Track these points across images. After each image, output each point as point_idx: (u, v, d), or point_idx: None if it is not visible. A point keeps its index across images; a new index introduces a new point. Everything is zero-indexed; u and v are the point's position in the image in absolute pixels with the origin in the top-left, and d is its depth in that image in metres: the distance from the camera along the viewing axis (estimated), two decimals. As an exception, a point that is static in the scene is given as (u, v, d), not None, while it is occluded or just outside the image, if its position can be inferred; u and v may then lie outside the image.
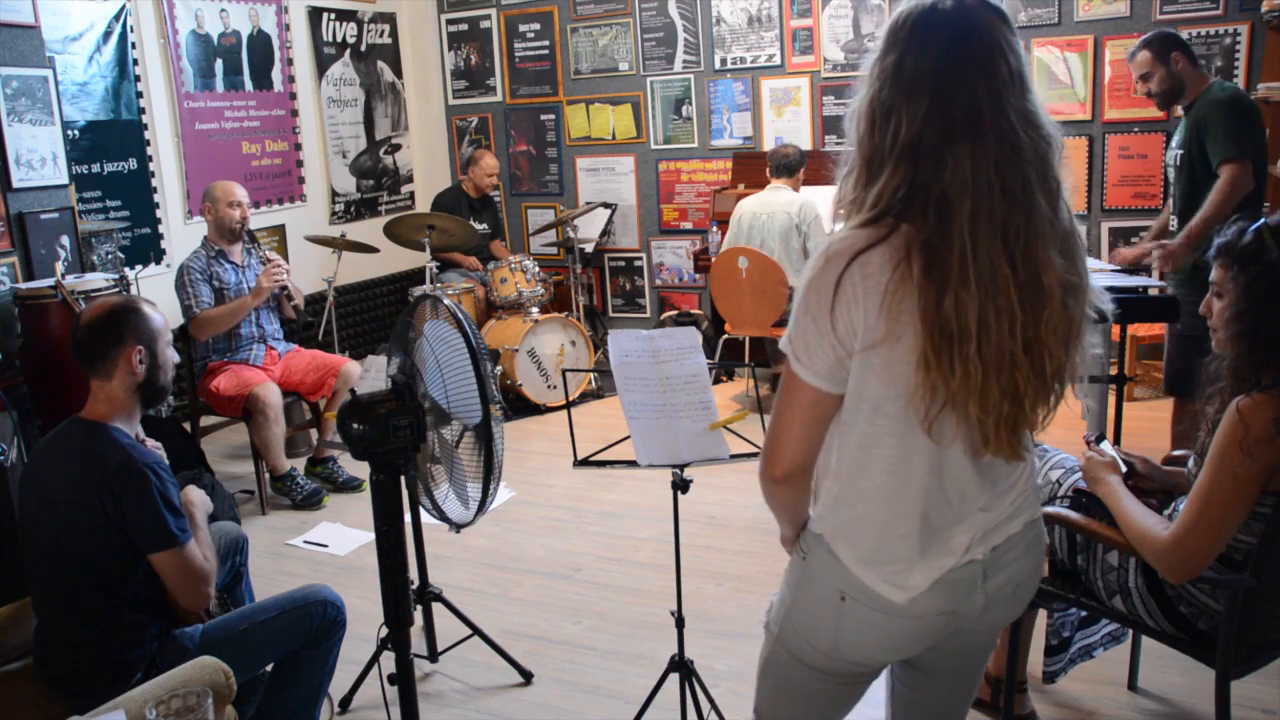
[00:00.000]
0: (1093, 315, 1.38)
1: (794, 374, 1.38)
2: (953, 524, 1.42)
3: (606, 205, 6.58)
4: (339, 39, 6.39)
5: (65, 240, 4.06)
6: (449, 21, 6.93)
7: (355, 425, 1.72)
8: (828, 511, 1.46)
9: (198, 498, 2.39)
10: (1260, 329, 1.88)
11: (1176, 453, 2.41)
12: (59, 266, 3.96)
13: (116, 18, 4.91)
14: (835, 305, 1.31)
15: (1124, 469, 2.16)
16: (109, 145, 4.90)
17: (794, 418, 1.39)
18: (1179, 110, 3.77)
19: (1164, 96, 3.67)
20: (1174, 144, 3.75)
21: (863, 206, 1.34)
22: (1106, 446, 2.23)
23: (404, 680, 1.86)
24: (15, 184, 3.87)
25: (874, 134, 1.33)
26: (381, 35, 6.73)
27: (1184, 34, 5.08)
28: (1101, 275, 3.47)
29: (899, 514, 1.41)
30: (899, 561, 1.42)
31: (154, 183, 5.16)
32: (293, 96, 6.02)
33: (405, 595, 1.82)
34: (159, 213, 5.20)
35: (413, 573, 2.26)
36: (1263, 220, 1.92)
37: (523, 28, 6.70)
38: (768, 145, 6.06)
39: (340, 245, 5.13)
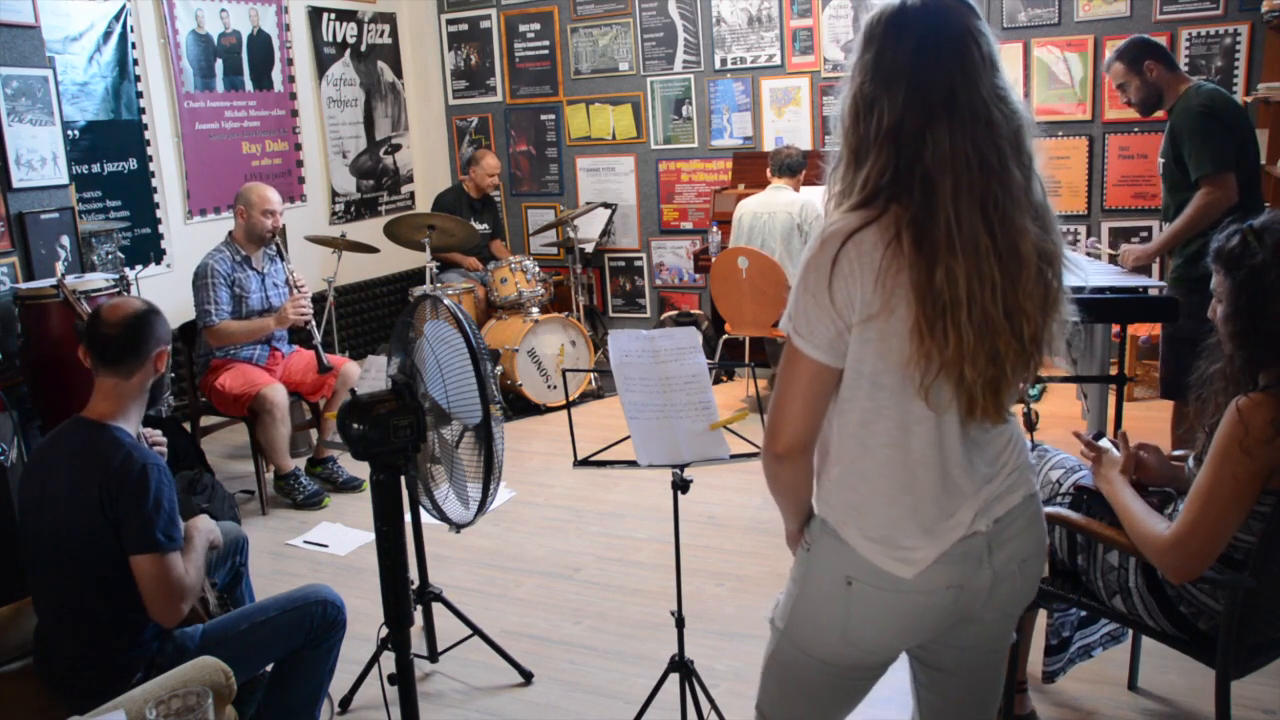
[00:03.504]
0: (1068, 286, 1.44)
1: (795, 349, 1.43)
2: (955, 496, 1.45)
3: (606, 205, 6.58)
4: (339, 39, 6.39)
5: (65, 240, 4.06)
6: (449, 21, 6.93)
7: (355, 425, 1.72)
8: (832, 496, 1.49)
9: (204, 525, 2.38)
10: (1252, 330, 1.90)
11: (1177, 452, 2.41)
12: (59, 267, 3.96)
13: (116, 18, 4.91)
14: (833, 281, 1.37)
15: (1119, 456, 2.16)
16: (109, 145, 4.90)
17: (795, 392, 1.44)
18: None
19: (1143, 105, 3.65)
20: (1160, 150, 3.71)
21: (851, 192, 1.41)
22: (1107, 444, 2.23)
23: (404, 680, 1.87)
24: (15, 184, 3.88)
25: (859, 125, 1.39)
26: (381, 35, 6.73)
27: (1184, 34, 5.11)
28: (1102, 275, 3.47)
29: (903, 487, 1.43)
30: (906, 538, 1.44)
31: (154, 183, 5.16)
32: (293, 96, 6.02)
33: (405, 595, 1.82)
34: (159, 213, 5.20)
35: (413, 573, 2.26)
36: (1248, 223, 1.93)
37: (523, 28, 6.70)
38: (768, 145, 6.06)
39: (340, 245, 5.13)
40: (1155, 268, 5.30)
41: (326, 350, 4.78)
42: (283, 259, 4.43)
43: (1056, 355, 1.46)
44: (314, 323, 4.39)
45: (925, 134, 1.33)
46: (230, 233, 4.37)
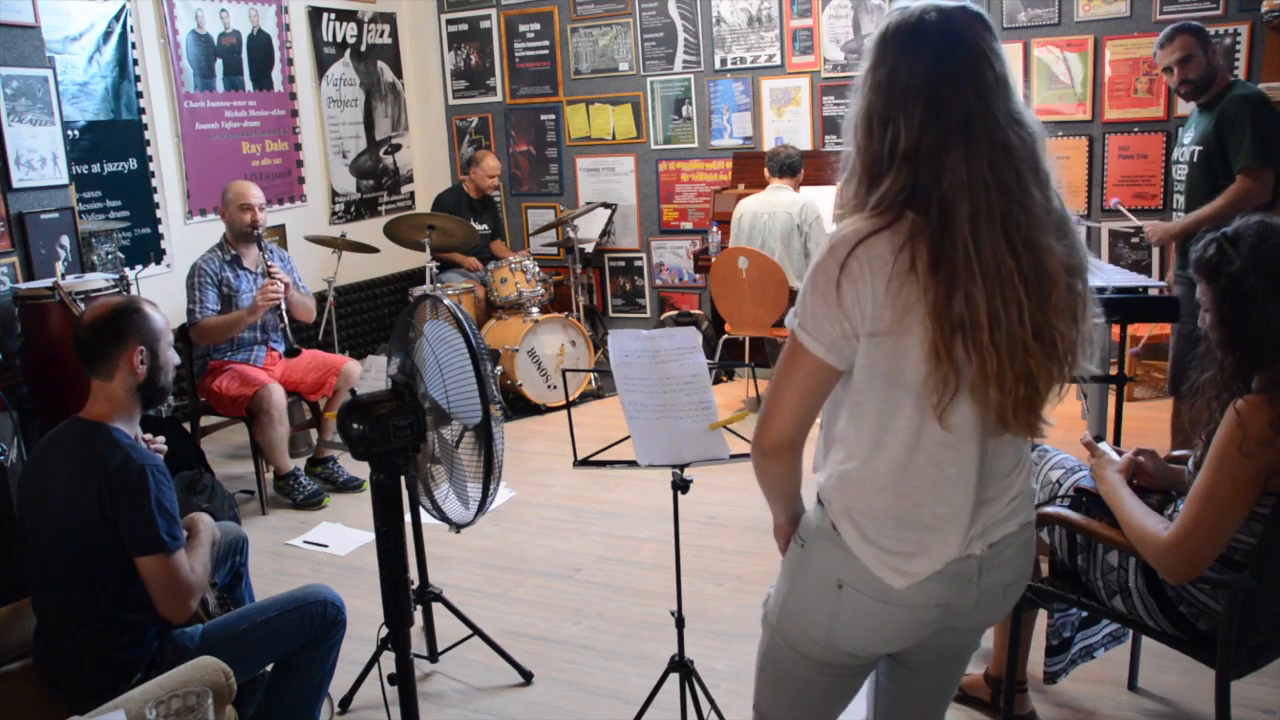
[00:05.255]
0: (1095, 291, 1.44)
1: (799, 344, 1.42)
2: (957, 514, 1.44)
3: (606, 205, 6.58)
4: (339, 39, 6.39)
5: (65, 240, 4.06)
6: (449, 21, 6.93)
7: (355, 425, 1.72)
8: (840, 483, 1.47)
9: (206, 519, 2.39)
10: (1238, 337, 1.91)
11: (1177, 452, 2.41)
12: (59, 267, 3.96)
13: (116, 18, 4.91)
14: (841, 284, 1.36)
15: (1116, 458, 2.17)
16: (109, 145, 4.90)
17: (792, 385, 1.44)
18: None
19: (1197, 85, 3.57)
20: (1188, 140, 3.67)
21: (864, 207, 1.40)
22: (1105, 447, 2.23)
23: (404, 680, 1.87)
24: (15, 184, 3.87)
25: (872, 142, 1.38)
26: (381, 35, 6.73)
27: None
28: (1102, 275, 3.47)
29: (911, 485, 1.43)
30: (903, 544, 1.44)
31: (154, 183, 5.16)
32: (293, 96, 6.02)
33: (405, 595, 1.82)
34: (159, 213, 5.20)
35: (413, 573, 2.26)
36: (1221, 231, 1.94)
37: (523, 28, 6.70)
38: (768, 145, 6.05)
39: (340, 245, 5.13)
40: (1155, 266, 5.32)
41: (327, 350, 4.80)
42: (261, 250, 4.35)
43: (1090, 360, 1.45)
44: (283, 307, 4.30)
45: (942, 158, 1.32)
46: (224, 234, 4.37)
